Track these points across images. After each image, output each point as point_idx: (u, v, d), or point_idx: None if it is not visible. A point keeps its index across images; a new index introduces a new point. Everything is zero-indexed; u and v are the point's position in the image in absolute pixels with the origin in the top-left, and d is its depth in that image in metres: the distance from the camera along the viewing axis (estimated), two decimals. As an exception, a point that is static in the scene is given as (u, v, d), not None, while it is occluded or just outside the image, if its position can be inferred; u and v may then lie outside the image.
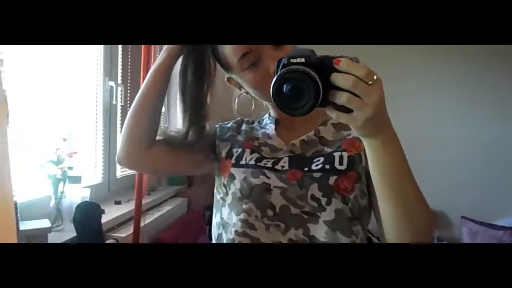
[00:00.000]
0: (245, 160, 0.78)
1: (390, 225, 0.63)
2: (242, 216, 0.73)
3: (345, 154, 0.74)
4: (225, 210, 0.78)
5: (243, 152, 0.80)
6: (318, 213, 0.70)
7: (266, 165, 0.76)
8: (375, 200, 0.66)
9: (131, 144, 0.78)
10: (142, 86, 0.77)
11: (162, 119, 1.69)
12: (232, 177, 0.77)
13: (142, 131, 0.77)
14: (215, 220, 0.81)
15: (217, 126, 0.89)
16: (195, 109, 0.77)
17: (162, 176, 2.28)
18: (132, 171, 1.94)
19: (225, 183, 0.78)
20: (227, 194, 0.78)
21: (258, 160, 0.77)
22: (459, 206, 2.76)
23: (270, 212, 0.72)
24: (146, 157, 0.79)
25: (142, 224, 1.59)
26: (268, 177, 0.74)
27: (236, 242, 0.72)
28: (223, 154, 0.83)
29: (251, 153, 0.79)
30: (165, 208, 2.03)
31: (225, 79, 0.82)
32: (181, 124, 0.78)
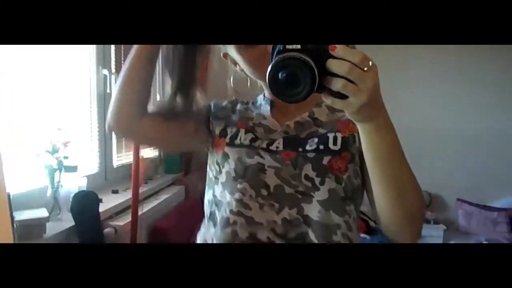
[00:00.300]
0: (240, 140, 0.78)
1: (383, 207, 0.64)
2: (236, 195, 0.73)
3: (339, 135, 0.75)
4: (218, 188, 0.78)
5: (237, 131, 0.80)
6: (311, 193, 0.71)
7: (260, 146, 0.76)
8: (368, 181, 0.66)
9: (124, 106, 0.76)
10: (133, 48, 0.75)
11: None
12: (226, 156, 0.77)
13: (134, 92, 0.75)
14: (207, 197, 0.82)
15: (211, 103, 0.88)
16: (183, 75, 0.76)
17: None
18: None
19: (218, 161, 0.79)
20: (220, 172, 0.78)
21: (252, 140, 0.77)
22: (455, 189, 2.81)
23: (264, 192, 0.72)
24: (138, 125, 0.77)
25: (140, 213, 1.60)
26: (262, 157, 0.74)
27: (231, 221, 0.73)
28: (217, 132, 0.82)
29: (245, 133, 0.79)
30: (163, 197, 2.04)
31: (221, 55, 0.81)
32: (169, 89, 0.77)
